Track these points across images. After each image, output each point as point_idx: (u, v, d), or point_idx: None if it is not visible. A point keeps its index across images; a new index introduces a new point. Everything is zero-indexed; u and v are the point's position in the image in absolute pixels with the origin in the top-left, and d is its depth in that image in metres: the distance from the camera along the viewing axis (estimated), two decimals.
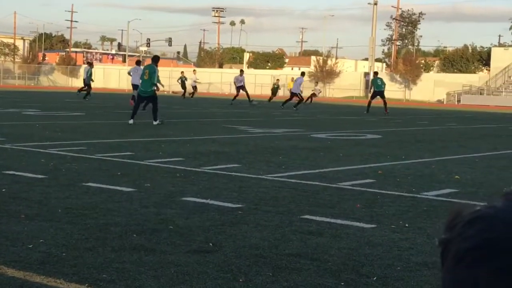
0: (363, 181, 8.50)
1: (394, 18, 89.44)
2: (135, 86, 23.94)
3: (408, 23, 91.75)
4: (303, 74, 34.52)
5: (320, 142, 14.38)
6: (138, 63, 27.71)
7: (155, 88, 18.22)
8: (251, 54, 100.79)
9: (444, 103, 61.19)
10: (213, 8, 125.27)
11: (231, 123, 19.65)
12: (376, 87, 30.22)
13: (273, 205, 6.72)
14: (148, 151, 11.35)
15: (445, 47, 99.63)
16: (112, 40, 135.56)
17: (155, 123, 17.46)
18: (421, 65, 73.85)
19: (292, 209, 6.55)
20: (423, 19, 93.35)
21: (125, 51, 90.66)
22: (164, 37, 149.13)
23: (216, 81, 70.12)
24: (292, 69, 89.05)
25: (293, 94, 32.64)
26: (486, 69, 73.92)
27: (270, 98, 40.86)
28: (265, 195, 7.33)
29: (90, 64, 34.99)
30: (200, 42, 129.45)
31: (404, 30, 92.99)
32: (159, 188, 7.50)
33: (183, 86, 43.80)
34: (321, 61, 71.71)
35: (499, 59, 68.49)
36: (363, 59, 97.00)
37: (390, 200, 7.22)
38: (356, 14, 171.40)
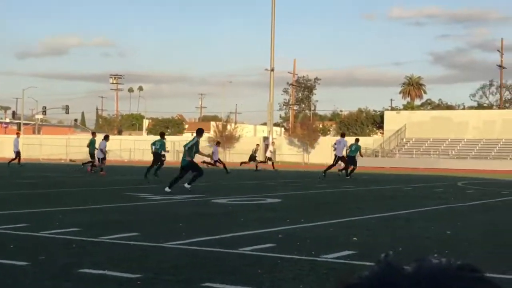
0: (263, 245, 8.51)
1: (290, 84, 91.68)
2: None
3: (304, 88, 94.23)
4: (343, 135, 33.41)
5: (221, 208, 14.36)
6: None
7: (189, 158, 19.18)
8: (150, 120, 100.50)
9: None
10: (111, 75, 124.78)
11: (132, 191, 19.37)
12: (351, 152, 30.74)
13: (173, 274, 6.62)
14: (44, 221, 11.00)
15: (341, 111, 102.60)
16: (6, 109, 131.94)
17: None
18: (318, 129, 75.71)
19: (193, 277, 6.46)
20: (319, 84, 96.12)
21: (20, 119, 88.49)
22: (60, 104, 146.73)
23: (116, 148, 69.28)
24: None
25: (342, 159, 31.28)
26: (380, 132, 76.58)
27: (246, 163, 43.14)
28: (165, 263, 7.21)
29: None
30: (97, 109, 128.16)
31: (300, 95, 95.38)
32: (54, 261, 7.25)
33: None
34: (220, 126, 72.34)
35: (391, 122, 71.16)
36: (261, 124, 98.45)
37: (290, 264, 7.26)
38: (254, 80, 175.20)
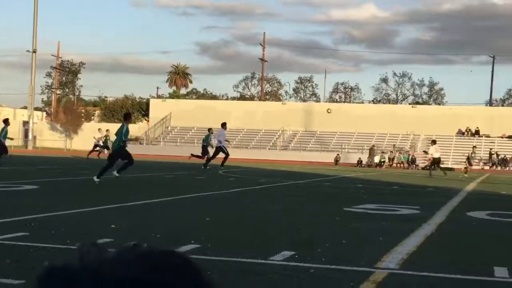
0: (13, 234, 7.99)
1: (54, 67, 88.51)
2: None
3: (68, 72, 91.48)
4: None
5: None
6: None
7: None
8: None
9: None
10: None
11: None
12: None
13: None
14: None
15: (106, 97, 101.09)
16: None
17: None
18: (82, 115, 73.90)
19: None
20: (84, 68, 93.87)
21: None
22: None
23: None
24: None
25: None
26: (146, 119, 76.60)
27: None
28: None
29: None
30: None
31: (64, 79, 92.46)
32: None
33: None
34: None
35: (157, 110, 71.51)
36: (22, 107, 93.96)
37: (44, 253, 6.87)
38: (15, 61, 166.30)
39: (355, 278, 5.95)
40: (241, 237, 8.48)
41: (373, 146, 62.14)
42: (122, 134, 18.09)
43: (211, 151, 29.68)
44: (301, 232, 9.18)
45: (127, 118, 19.00)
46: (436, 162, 34.23)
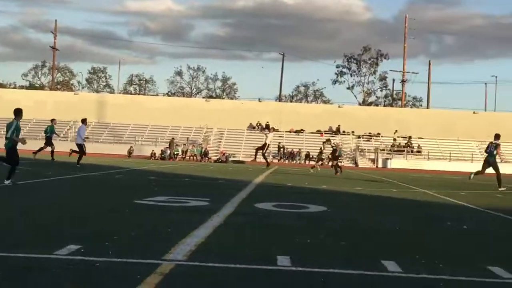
0: None
1: None
2: None
3: None
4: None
5: None
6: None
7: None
8: None
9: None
10: None
11: None
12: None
13: None
14: None
15: None
16: None
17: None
18: None
19: None
20: None
21: None
22: None
23: None
24: None
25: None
26: None
27: None
28: None
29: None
30: None
31: None
32: None
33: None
34: None
35: None
36: None
37: None
38: None
39: (142, 271, 5.89)
40: (23, 232, 8.08)
41: (173, 138, 62.52)
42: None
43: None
44: (88, 225, 8.95)
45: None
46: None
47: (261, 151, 33.62)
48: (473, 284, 6.11)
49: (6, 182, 15.42)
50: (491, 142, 23.84)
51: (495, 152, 23.56)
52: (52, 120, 33.63)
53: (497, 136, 23.74)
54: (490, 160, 23.56)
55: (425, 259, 7.23)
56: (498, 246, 8.77)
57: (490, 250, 8.37)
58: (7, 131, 16.16)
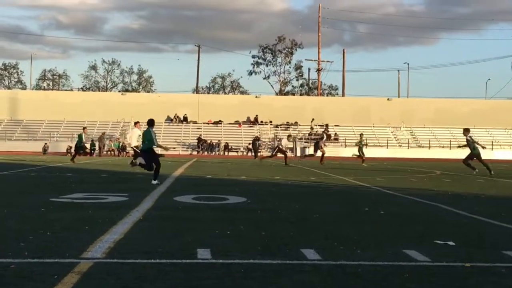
0: None
1: None
2: None
3: None
4: None
5: None
6: None
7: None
8: None
9: None
10: None
11: None
12: None
13: None
14: None
15: None
16: None
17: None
18: None
19: None
20: None
21: None
22: None
23: None
24: None
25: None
26: None
27: None
28: None
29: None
30: None
31: None
32: None
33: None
34: None
35: None
36: None
37: None
38: None
39: (59, 271, 5.75)
40: None
41: (104, 133, 61.57)
42: None
43: None
44: (1, 225, 8.68)
45: None
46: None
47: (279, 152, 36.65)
48: (391, 268, 6.25)
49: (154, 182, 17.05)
50: (466, 138, 25.01)
51: (475, 145, 24.94)
52: None
53: (466, 130, 25.08)
54: (474, 153, 24.90)
55: (343, 245, 7.35)
56: (413, 229, 9.00)
57: (406, 233, 8.57)
58: (150, 140, 17.88)
